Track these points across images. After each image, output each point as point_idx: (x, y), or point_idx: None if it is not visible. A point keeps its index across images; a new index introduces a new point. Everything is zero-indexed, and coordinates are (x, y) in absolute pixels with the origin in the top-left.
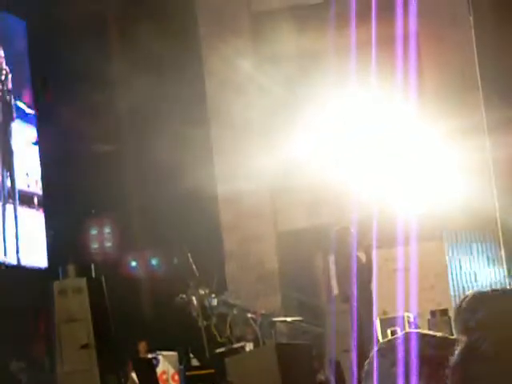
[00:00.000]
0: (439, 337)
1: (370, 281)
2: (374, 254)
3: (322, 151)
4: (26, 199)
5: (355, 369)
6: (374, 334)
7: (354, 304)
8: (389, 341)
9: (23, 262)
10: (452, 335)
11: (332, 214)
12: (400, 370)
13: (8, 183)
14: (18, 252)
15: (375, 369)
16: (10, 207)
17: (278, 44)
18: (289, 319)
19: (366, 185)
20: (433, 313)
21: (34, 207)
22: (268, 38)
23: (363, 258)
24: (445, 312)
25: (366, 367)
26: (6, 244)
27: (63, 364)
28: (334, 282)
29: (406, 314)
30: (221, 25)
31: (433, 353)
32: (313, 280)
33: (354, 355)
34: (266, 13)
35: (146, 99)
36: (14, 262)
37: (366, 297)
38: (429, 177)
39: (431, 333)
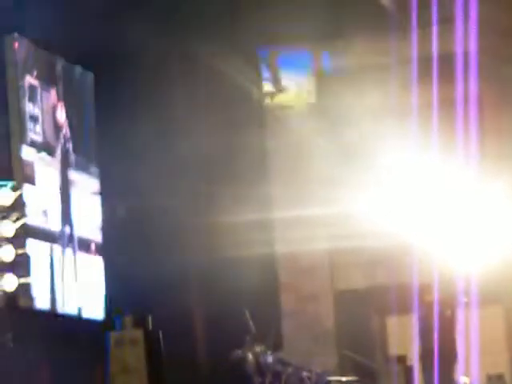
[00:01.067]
0: None
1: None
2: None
3: (381, 211)
4: (84, 245)
5: None
6: None
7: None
8: None
9: (82, 313)
10: None
11: (389, 274)
12: None
13: (67, 230)
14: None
15: None
16: (69, 253)
17: (340, 104)
18: (344, 379)
19: (426, 247)
20: (489, 377)
21: (91, 253)
22: (330, 99)
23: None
24: (501, 377)
25: None
26: (65, 293)
27: None
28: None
29: (463, 378)
30: None
31: None
32: (369, 340)
33: None
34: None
35: (208, 156)
36: (74, 312)
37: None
38: (489, 239)
39: None
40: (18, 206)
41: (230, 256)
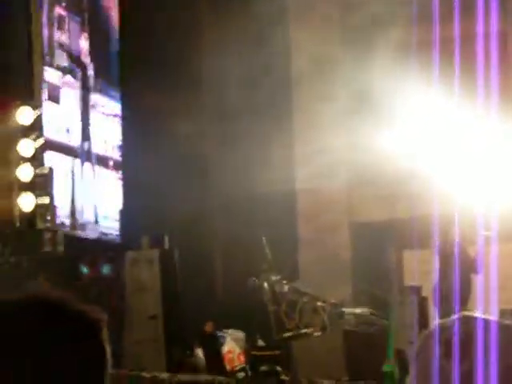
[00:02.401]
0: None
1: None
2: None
3: (402, 146)
4: (102, 161)
5: None
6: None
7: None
8: (439, 323)
9: (100, 229)
10: None
11: (408, 208)
12: (442, 351)
13: (87, 146)
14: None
15: (419, 348)
16: (87, 167)
17: (366, 37)
18: (358, 310)
19: (445, 182)
20: (502, 312)
21: (110, 169)
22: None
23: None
24: None
25: (413, 348)
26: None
27: (131, 333)
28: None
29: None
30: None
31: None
32: (384, 273)
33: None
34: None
35: (231, 96)
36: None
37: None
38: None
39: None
40: (38, 126)
41: (251, 188)
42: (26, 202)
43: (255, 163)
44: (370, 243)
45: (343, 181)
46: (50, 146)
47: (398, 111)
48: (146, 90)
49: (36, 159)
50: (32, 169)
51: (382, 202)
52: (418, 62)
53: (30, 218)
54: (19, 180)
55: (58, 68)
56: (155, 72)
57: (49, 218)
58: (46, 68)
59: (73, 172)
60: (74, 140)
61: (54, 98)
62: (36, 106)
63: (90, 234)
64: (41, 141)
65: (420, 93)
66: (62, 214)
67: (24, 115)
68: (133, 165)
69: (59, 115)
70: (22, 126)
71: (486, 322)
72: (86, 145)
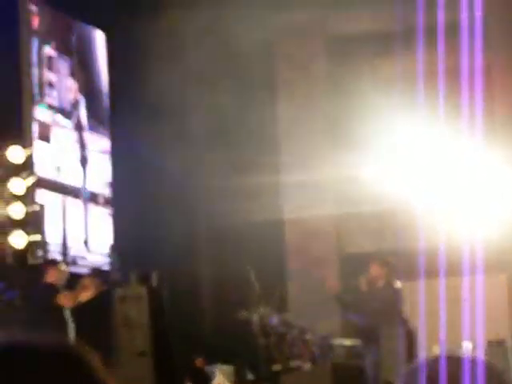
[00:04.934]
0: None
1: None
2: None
3: (389, 177)
4: (94, 198)
5: None
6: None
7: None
8: (423, 360)
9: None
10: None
11: (397, 239)
12: None
13: (79, 184)
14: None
15: None
16: (79, 204)
17: (351, 68)
18: (347, 342)
19: (433, 212)
20: (490, 343)
21: (100, 205)
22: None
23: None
24: (501, 343)
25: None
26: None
27: (120, 370)
28: None
29: (467, 343)
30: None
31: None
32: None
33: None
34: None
35: (218, 119)
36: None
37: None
38: (497, 207)
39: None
40: (29, 165)
41: (238, 219)
42: (18, 240)
43: (242, 193)
44: (358, 274)
45: (331, 212)
46: (42, 183)
47: (384, 143)
48: (133, 125)
49: (27, 197)
50: (23, 206)
51: (369, 233)
52: (404, 94)
53: (22, 255)
54: (11, 218)
55: (49, 107)
56: (142, 107)
57: (41, 253)
58: (36, 107)
59: (64, 209)
60: (66, 178)
61: (45, 136)
62: (27, 144)
63: (81, 269)
64: (32, 179)
65: (406, 125)
66: (54, 250)
67: (15, 154)
68: (122, 201)
69: (50, 153)
70: (13, 164)
71: (473, 363)
72: (79, 182)
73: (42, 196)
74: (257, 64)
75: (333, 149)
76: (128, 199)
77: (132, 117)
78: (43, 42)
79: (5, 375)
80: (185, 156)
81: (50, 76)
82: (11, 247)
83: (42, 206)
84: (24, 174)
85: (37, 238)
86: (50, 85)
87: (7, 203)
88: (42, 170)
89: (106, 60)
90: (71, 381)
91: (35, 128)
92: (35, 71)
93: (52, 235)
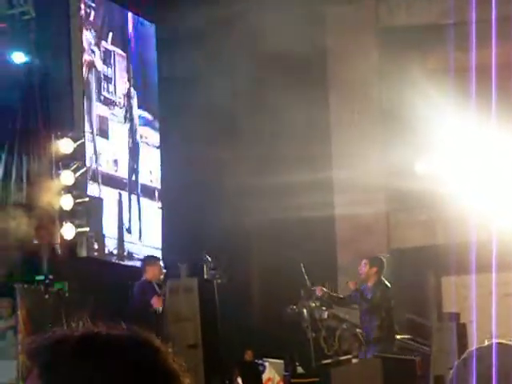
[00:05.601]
0: None
1: None
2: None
3: (440, 171)
4: (147, 192)
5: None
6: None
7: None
8: (476, 349)
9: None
10: None
11: (446, 234)
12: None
13: (133, 178)
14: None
15: (455, 376)
16: (134, 199)
17: (402, 60)
18: (397, 337)
19: (484, 207)
20: None
21: (151, 199)
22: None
23: None
24: None
25: (450, 375)
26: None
27: None
28: None
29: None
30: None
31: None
32: (423, 299)
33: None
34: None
35: (268, 114)
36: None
37: None
38: None
39: None
40: (79, 156)
41: (290, 214)
42: (67, 231)
43: (294, 188)
44: (408, 269)
45: (381, 206)
46: (100, 178)
47: (435, 136)
48: (183, 120)
49: (77, 188)
50: (73, 198)
51: (420, 228)
52: (455, 88)
53: (71, 246)
54: (61, 209)
55: (106, 102)
56: (192, 103)
57: (96, 247)
58: (96, 103)
59: (121, 203)
60: (123, 172)
61: (103, 131)
62: (77, 136)
63: (137, 263)
64: (82, 170)
65: (458, 117)
66: (110, 244)
67: (65, 145)
68: (171, 193)
69: (108, 148)
70: (64, 155)
71: None
72: (133, 176)
73: (101, 190)
74: (308, 58)
75: (384, 142)
76: (178, 192)
77: (181, 111)
78: (100, 35)
79: (83, 366)
80: (236, 151)
81: (106, 70)
82: (61, 238)
83: (100, 200)
84: (74, 166)
85: (86, 228)
86: (107, 78)
87: (58, 194)
88: (101, 164)
89: (155, 52)
90: (147, 371)
91: (93, 122)
92: (93, 65)
93: (109, 229)
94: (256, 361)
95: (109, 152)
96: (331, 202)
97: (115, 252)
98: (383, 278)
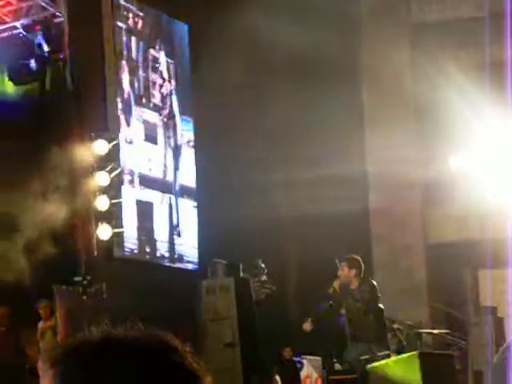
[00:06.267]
0: None
1: None
2: None
3: (475, 166)
4: (185, 191)
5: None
6: None
7: None
8: None
9: (177, 260)
10: None
11: (482, 228)
12: None
13: (174, 180)
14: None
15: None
16: (173, 200)
17: (435, 55)
18: (435, 331)
19: None
20: None
21: (187, 198)
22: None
23: None
24: None
25: (495, 360)
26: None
27: (208, 361)
28: None
29: None
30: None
31: None
32: (460, 293)
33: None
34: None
35: (301, 110)
36: (169, 260)
37: None
38: None
39: None
40: (114, 158)
41: (326, 208)
42: (103, 231)
43: (330, 182)
44: (444, 263)
45: (417, 201)
46: (145, 182)
47: (470, 131)
48: (215, 118)
49: (112, 190)
50: (108, 199)
51: (455, 223)
52: (490, 82)
53: (107, 247)
54: (96, 210)
55: (154, 108)
56: (223, 100)
57: (149, 250)
58: (144, 109)
59: (170, 206)
60: (169, 175)
61: (152, 137)
62: (112, 137)
63: (189, 265)
64: (116, 172)
65: (493, 112)
66: (161, 247)
67: (100, 147)
68: (204, 192)
69: (157, 153)
70: (99, 157)
71: None
72: (176, 178)
73: (150, 194)
74: (341, 53)
75: (419, 138)
76: (212, 191)
77: (213, 110)
78: (148, 43)
79: (103, 368)
80: (271, 147)
81: (154, 77)
82: (97, 238)
83: (150, 205)
84: (109, 167)
85: (121, 229)
86: (154, 84)
87: (93, 195)
88: (150, 168)
89: (189, 52)
90: (167, 372)
91: (142, 128)
92: (140, 72)
93: (159, 233)
94: (294, 358)
95: (158, 157)
96: (366, 197)
97: (167, 255)
98: (370, 279)
